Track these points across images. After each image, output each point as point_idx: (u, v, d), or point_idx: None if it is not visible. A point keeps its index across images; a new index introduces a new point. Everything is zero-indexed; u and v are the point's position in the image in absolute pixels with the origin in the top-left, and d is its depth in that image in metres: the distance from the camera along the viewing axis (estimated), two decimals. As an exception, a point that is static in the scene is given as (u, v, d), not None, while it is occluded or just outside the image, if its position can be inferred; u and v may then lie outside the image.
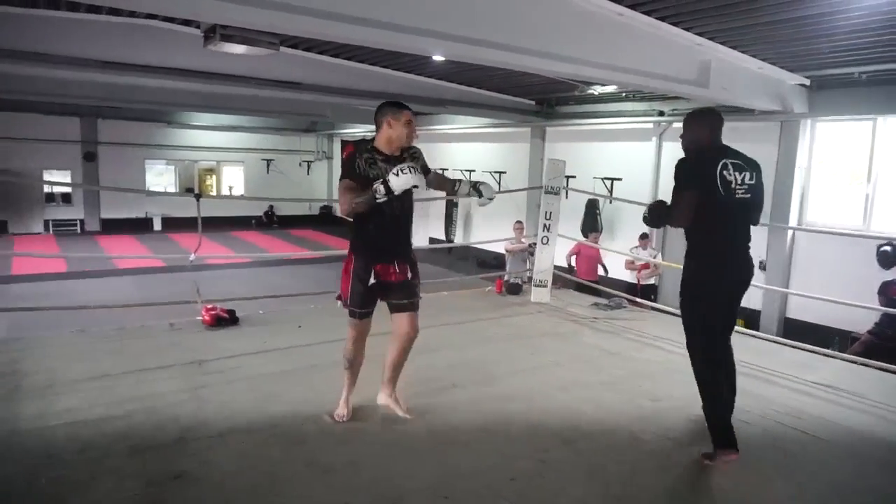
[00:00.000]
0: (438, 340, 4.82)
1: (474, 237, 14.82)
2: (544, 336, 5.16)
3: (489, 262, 13.24)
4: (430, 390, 3.77)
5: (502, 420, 3.39)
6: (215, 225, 16.59)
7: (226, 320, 4.96)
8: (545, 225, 6.13)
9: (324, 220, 21.44)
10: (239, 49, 5.52)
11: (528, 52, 5.10)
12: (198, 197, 4.96)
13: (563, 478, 2.81)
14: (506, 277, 6.86)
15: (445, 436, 3.19)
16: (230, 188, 20.89)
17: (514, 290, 6.52)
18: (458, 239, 15.48)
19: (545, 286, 6.12)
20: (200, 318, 4.95)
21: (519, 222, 8.90)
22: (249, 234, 18.84)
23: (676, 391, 3.81)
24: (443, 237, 15.65)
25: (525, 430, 3.28)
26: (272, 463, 2.84)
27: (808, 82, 7.75)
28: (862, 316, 7.21)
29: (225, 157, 20.44)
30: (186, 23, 6.47)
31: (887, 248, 7.53)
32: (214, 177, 20.77)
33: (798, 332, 6.81)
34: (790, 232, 8.60)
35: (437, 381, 3.92)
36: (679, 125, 10.57)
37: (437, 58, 7.63)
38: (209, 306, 5.01)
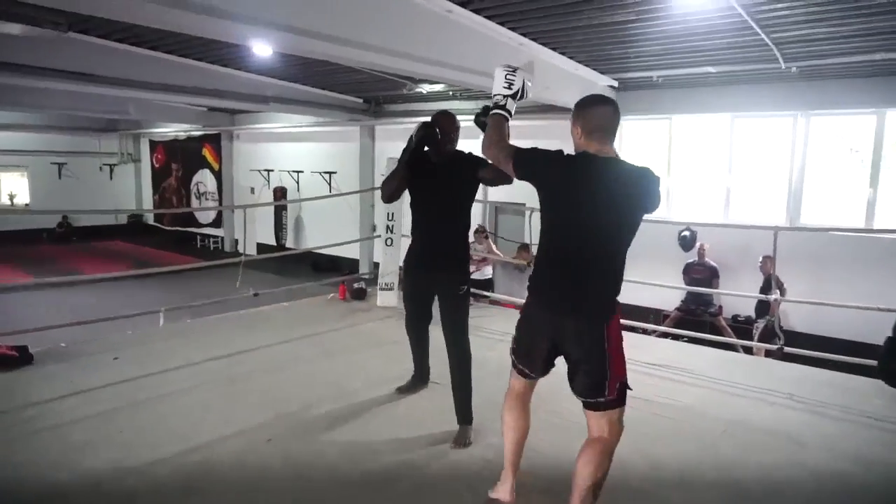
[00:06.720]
0: (285, 356, 4.45)
1: (310, 241, 14.26)
2: (395, 343, 4.95)
3: (325, 267, 12.79)
4: (283, 414, 3.42)
5: (364, 436, 3.17)
6: (-4, 241, 14.12)
7: (14, 360, 4.09)
8: (388, 226, 5.96)
9: (134, 229, 19.28)
10: (12, 28, 4.60)
11: (354, 44, 4.87)
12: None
13: (433, 483, 2.67)
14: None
15: (304, 463, 2.89)
16: (11, 197, 17.94)
17: (360, 295, 6.27)
18: (290, 243, 14.80)
19: (391, 289, 5.94)
20: (-21, 359, 4.04)
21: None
22: (42, 249, 16.28)
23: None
24: (273, 242, 14.90)
25: (390, 443, 3.09)
26: (93, 532, 2.34)
27: (616, 84, 8.46)
28: (671, 295, 8.08)
29: (2, 162, 17.48)
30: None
31: (686, 233, 8.49)
32: (-11, 185, 17.74)
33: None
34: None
35: (289, 403, 3.57)
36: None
37: (259, 52, 7.11)
38: (-10, 344, 4.11)
